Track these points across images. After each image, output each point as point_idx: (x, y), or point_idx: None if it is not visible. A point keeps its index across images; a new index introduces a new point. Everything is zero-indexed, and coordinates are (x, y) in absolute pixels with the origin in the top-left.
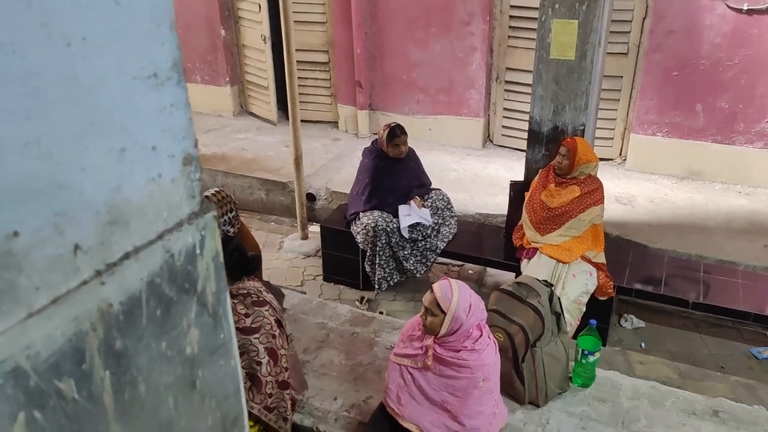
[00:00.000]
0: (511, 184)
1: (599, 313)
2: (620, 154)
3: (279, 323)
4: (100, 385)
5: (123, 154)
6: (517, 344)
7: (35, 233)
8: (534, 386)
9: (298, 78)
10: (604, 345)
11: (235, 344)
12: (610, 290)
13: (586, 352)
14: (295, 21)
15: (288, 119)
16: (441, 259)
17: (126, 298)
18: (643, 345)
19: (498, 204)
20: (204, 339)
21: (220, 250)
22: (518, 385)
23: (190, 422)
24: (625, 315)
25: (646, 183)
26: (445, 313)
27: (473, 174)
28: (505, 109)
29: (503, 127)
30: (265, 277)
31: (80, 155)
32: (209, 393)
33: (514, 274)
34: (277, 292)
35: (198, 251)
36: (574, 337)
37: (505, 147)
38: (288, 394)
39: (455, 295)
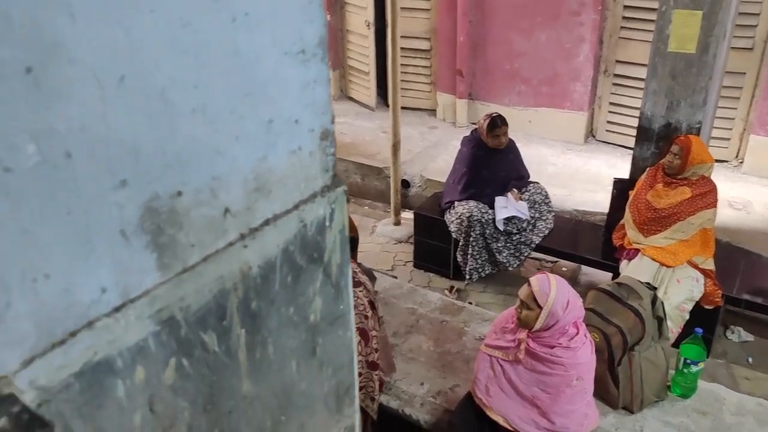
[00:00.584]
0: (614, 182)
1: (703, 323)
2: (737, 156)
3: (372, 305)
4: (236, 341)
5: (270, 126)
6: (614, 346)
7: (194, 194)
8: (629, 391)
9: (399, 65)
10: (707, 356)
11: (352, 317)
12: (717, 299)
13: (689, 361)
14: (400, 7)
15: (386, 105)
16: (534, 254)
17: (264, 263)
18: (750, 360)
19: (597, 201)
20: (326, 308)
21: (346, 224)
22: (612, 388)
23: (309, 386)
24: (732, 327)
25: (764, 188)
26: (541, 308)
27: (573, 169)
28: (611, 103)
29: (608, 122)
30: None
31: (236, 124)
32: (327, 361)
33: (611, 274)
34: (370, 275)
35: (327, 223)
36: (675, 345)
37: (609, 143)
38: (377, 374)
39: (553, 290)
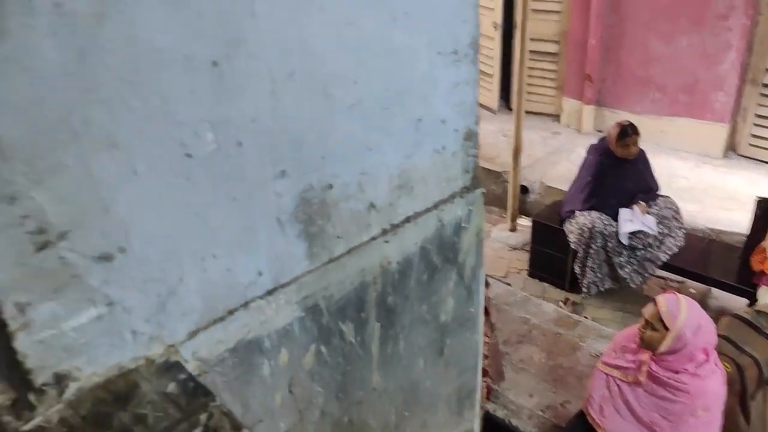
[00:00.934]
0: (757, 201)
1: None
2: None
3: (485, 310)
4: (371, 334)
5: (419, 124)
6: (748, 378)
7: (344, 188)
8: (762, 429)
9: (526, 68)
10: None
11: (481, 320)
12: None
13: None
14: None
15: (508, 108)
16: (659, 272)
17: (402, 259)
18: None
19: (734, 221)
20: (457, 309)
21: (483, 226)
22: (743, 424)
23: (433, 385)
24: None
25: None
26: (667, 330)
27: (707, 184)
28: (758, 115)
29: (752, 135)
30: None
31: (387, 121)
32: (453, 362)
33: (746, 300)
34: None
35: (464, 225)
36: None
37: (752, 158)
38: (485, 381)
39: (683, 312)
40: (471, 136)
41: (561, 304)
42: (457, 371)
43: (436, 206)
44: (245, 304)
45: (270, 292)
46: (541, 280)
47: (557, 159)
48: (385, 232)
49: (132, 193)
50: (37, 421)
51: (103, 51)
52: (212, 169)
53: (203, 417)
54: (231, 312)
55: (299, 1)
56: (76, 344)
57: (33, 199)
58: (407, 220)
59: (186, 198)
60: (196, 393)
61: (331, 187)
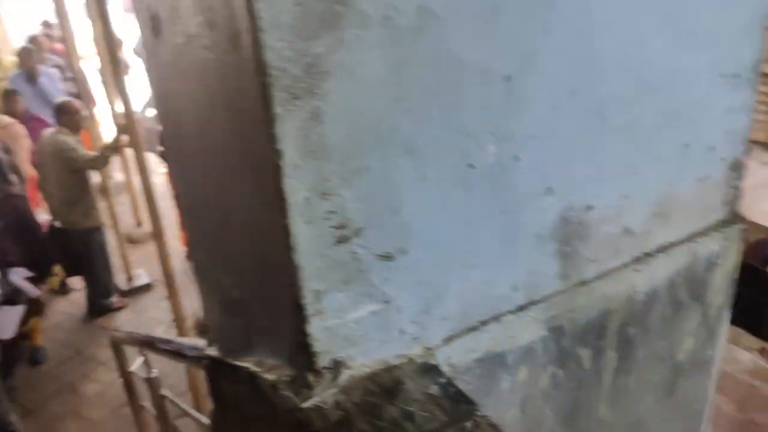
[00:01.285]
0: None
1: None
2: None
3: None
4: (607, 363)
5: (685, 150)
6: None
7: (602, 210)
8: None
9: None
10: None
11: (718, 365)
12: None
13: None
14: None
15: None
16: None
17: (648, 290)
18: None
19: None
20: (695, 350)
21: (737, 264)
22: None
23: (658, 427)
24: None
25: None
26: None
27: None
28: None
29: None
30: None
31: (656, 145)
32: (681, 405)
33: None
34: None
35: (717, 261)
36: None
37: None
38: None
39: None
40: (737, 167)
41: (757, 353)
42: (683, 415)
43: (690, 238)
44: (497, 317)
45: (521, 308)
46: (734, 323)
47: (765, 192)
48: (636, 260)
49: (419, 198)
50: (315, 400)
51: (416, 63)
52: (489, 180)
53: (469, 425)
54: (483, 323)
55: (591, 17)
56: (354, 335)
57: (341, 196)
58: (660, 249)
59: (463, 207)
60: (458, 399)
61: (591, 208)
